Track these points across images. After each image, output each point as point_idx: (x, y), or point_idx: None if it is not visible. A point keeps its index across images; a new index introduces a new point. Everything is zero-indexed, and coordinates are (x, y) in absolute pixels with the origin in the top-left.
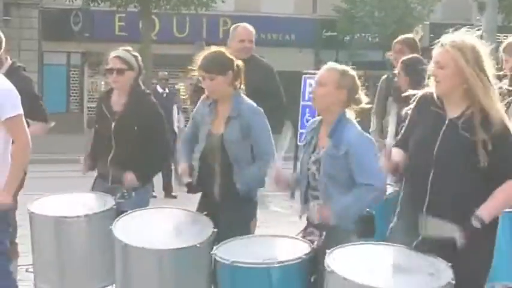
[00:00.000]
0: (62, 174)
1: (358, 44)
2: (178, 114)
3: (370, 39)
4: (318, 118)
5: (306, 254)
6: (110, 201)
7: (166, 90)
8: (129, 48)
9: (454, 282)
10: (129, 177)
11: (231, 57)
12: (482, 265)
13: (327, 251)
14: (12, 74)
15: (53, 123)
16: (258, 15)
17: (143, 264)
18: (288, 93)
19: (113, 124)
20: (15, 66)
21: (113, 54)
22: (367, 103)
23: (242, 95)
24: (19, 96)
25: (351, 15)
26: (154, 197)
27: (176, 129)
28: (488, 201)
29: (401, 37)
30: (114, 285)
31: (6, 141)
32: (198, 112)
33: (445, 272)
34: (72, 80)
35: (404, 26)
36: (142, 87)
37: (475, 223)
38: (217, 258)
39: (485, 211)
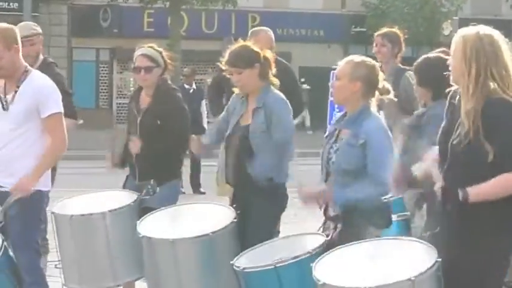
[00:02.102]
0: (91, 170)
1: None
2: (206, 110)
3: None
4: (343, 113)
5: (314, 249)
6: (130, 199)
7: (194, 86)
8: (153, 44)
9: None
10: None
11: (257, 49)
12: (483, 263)
13: (317, 260)
14: (45, 70)
15: (81, 121)
16: (286, 11)
17: (164, 254)
18: (316, 88)
19: (139, 120)
20: (48, 62)
21: (139, 52)
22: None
23: (271, 87)
24: (60, 95)
25: (380, 10)
26: (183, 193)
27: (206, 126)
28: (482, 184)
29: (382, 30)
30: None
31: (40, 136)
32: (231, 103)
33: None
34: (101, 76)
35: (433, 22)
36: (169, 82)
37: (460, 193)
38: (234, 267)
39: (474, 189)
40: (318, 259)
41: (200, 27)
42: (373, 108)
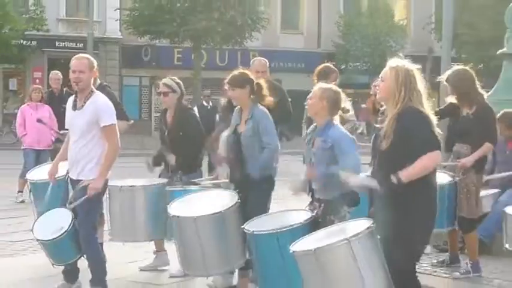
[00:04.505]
0: (137, 165)
1: (351, 71)
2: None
3: (360, 67)
4: (314, 124)
5: (305, 220)
6: (163, 180)
7: (210, 104)
8: (174, 77)
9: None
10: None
11: (251, 77)
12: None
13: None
14: (102, 91)
15: (132, 121)
16: (278, 49)
17: (189, 228)
18: (298, 106)
19: (166, 132)
20: (103, 85)
21: (162, 81)
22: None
23: (257, 104)
24: (114, 110)
25: (346, 49)
26: None
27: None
28: (409, 167)
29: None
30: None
31: (99, 141)
32: (233, 118)
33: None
34: (143, 97)
35: (385, 57)
36: (185, 104)
37: (392, 177)
38: (245, 230)
39: (403, 172)
40: (296, 241)
41: (215, 61)
42: (336, 121)
